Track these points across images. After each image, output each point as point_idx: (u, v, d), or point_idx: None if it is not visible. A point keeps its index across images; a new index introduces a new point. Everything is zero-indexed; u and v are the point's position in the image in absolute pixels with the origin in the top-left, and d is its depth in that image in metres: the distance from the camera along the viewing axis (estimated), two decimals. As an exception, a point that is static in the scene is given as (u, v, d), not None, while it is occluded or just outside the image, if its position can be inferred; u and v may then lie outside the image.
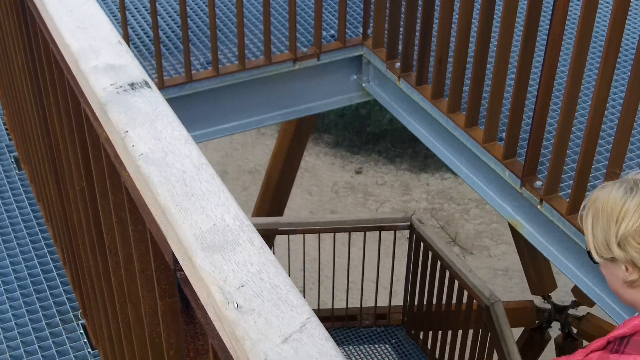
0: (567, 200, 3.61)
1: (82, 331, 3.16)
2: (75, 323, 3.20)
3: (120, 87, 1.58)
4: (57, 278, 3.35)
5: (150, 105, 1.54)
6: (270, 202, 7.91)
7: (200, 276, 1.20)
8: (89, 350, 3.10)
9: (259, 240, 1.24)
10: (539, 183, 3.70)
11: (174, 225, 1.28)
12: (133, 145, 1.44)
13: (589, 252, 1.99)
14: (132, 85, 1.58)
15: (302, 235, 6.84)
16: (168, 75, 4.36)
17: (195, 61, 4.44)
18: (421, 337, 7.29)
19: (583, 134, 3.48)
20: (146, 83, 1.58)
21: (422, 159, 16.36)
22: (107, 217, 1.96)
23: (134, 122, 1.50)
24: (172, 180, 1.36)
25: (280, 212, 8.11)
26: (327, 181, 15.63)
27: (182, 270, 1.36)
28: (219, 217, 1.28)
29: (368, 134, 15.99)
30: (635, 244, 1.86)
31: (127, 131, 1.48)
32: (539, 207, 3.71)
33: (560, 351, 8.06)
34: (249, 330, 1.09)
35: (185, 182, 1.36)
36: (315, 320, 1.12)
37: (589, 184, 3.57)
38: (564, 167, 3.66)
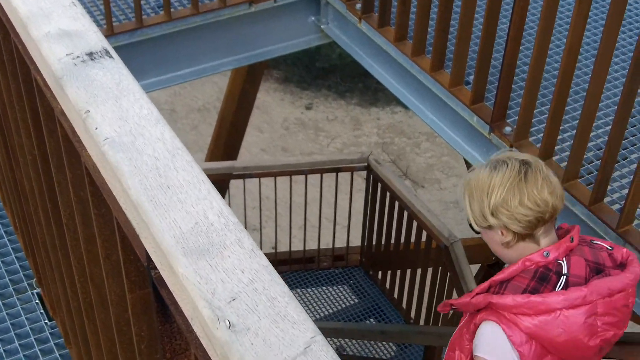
0: (539, 146, 3.51)
1: (37, 301, 2.98)
2: (30, 292, 3.02)
3: (77, 57, 1.39)
4: (9, 244, 3.15)
5: (112, 78, 1.36)
6: (224, 144, 7.72)
7: (184, 286, 1.05)
8: (46, 321, 2.92)
9: (249, 242, 1.09)
10: (508, 129, 3.59)
11: (149, 225, 1.12)
12: (96, 128, 1.27)
13: (470, 224, 2.41)
14: (90, 55, 1.39)
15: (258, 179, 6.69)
16: (117, 21, 4.12)
17: (145, 5, 4.20)
18: (380, 277, 7.24)
19: (555, 77, 3.36)
20: (107, 52, 1.40)
21: (372, 93, 16.23)
22: (64, 193, 1.78)
23: (96, 99, 1.32)
24: (143, 170, 1.19)
25: (235, 154, 7.93)
26: (277, 117, 15.43)
27: (157, 269, 1.21)
28: (201, 214, 1.13)
29: (317, 69, 15.77)
30: (504, 212, 2.28)
31: (89, 111, 1.30)
32: (509, 154, 3.60)
33: (517, 287, 8.10)
34: (244, 355, 0.94)
35: (159, 171, 1.19)
36: (321, 340, 0.98)
37: (560, 128, 3.47)
38: (535, 112, 3.54)
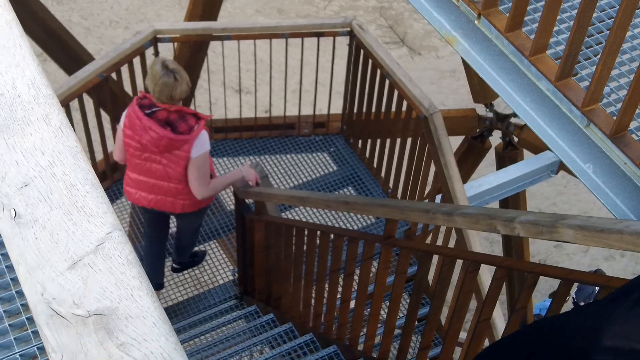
0: (507, 15, 3.30)
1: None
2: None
3: None
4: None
5: None
6: (203, 3, 7.42)
7: (-25, 168, 0.90)
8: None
9: (58, 118, 0.94)
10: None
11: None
12: None
13: None
14: None
15: (237, 41, 6.47)
16: None
17: None
18: (360, 146, 7.13)
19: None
20: None
21: (373, -46, 15.72)
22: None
23: None
24: (-47, 30, 1.02)
25: (215, 14, 7.65)
26: (272, -23, 15.00)
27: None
28: (9, 83, 0.97)
29: None
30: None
31: None
32: (476, 22, 3.40)
33: (500, 160, 8.01)
34: (25, 252, 0.81)
35: (-29, 32, 1.03)
36: (119, 235, 0.84)
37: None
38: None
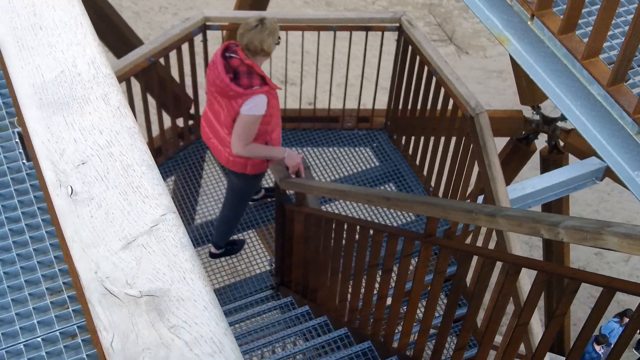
0: (561, 17, 3.25)
1: (17, 140, 2.87)
2: (11, 131, 2.91)
3: None
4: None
5: None
6: (254, -7, 7.44)
7: (33, 143, 0.91)
8: (24, 161, 2.83)
9: (117, 98, 0.94)
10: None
11: (9, 68, 0.97)
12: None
13: None
14: None
15: (284, 32, 6.46)
16: None
17: None
18: (403, 142, 7.09)
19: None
20: None
21: (425, -49, 15.65)
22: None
23: None
24: (17, 6, 1.03)
25: (264, 4, 7.66)
26: (323, -30, 14.99)
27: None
28: (69, 61, 0.97)
29: None
30: None
31: None
32: (529, 23, 3.36)
33: (544, 163, 7.92)
34: (80, 229, 0.81)
35: (35, 9, 1.03)
36: (173, 218, 0.84)
37: (587, 0, 3.21)
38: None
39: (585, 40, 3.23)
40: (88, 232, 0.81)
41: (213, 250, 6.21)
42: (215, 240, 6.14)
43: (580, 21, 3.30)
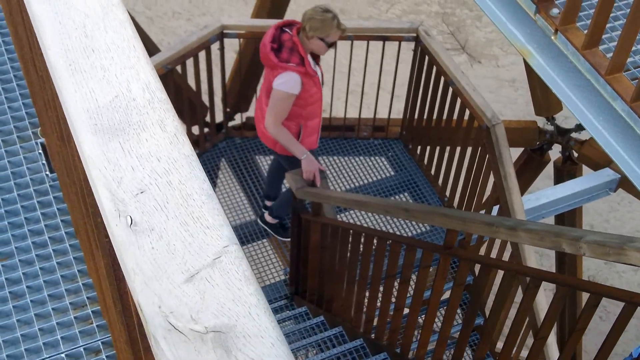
0: (585, 32, 3.23)
1: (41, 151, 2.87)
2: (34, 142, 2.91)
3: None
4: (17, 89, 3.02)
5: None
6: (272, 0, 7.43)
7: (88, 169, 0.89)
8: (47, 173, 2.82)
9: (173, 124, 0.93)
10: (555, 11, 3.31)
11: (62, 91, 0.95)
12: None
13: None
14: None
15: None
16: None
17: None
18: (418, 152, 7.08)
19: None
20: None
21: (438, -41, 15.62)
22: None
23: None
24: (68, 28, 1.01)
25: (282, 12, 7.66)
26: (337, -22, 14.97)
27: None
28: (124, 85, 0.96)
29: None
30: None
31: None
32: (552, 37, 3.34)
33: (558, 174, 7.89)
34: (141, 261, 0.79)
35: (86, 30, 1.02)
36: (236, 250, 0.82)
37: (611, 15, 3.19)
38: (586, -5, 3.26)
39: (609, 55, 3.21)
40: (150, 264, 0.79)
41: (268, 218, 6.32)
42: (276, 209, 6.25)
43: (603, 36, 3.28)
